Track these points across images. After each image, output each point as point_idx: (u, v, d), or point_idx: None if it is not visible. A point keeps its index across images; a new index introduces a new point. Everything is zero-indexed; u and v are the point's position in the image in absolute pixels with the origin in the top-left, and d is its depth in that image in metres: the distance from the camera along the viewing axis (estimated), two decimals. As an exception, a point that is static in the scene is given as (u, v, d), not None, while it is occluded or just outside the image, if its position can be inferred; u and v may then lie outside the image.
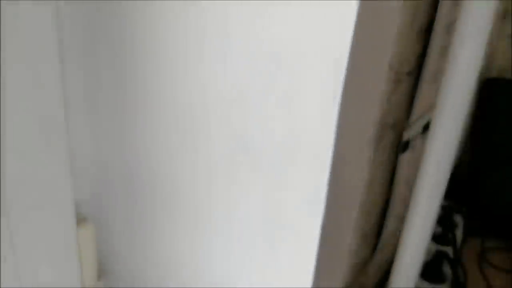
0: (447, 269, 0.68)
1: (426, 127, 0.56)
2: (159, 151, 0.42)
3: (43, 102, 0.39)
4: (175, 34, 0.37)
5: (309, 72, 0.33)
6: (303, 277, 0.41)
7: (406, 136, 0.53)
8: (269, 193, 0.38)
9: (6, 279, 0.41)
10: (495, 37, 0.89)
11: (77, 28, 0.41)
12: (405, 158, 0.54)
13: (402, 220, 0.55)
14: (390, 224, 0.59)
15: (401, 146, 0.53)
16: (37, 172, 0.41)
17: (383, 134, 0.47)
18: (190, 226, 0.43)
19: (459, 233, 0.79)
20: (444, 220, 0.79)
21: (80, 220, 0.46)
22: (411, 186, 0.52)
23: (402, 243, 0.52)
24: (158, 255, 0.47)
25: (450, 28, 0.47)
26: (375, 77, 0.39)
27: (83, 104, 0.43)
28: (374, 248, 0.61)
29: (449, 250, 0.72)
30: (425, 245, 0.51)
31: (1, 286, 0.41)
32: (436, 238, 0.76)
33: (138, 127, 0.42)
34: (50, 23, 0.38)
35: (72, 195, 0.44)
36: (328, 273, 0.45)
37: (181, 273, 0.46)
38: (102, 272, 0.51)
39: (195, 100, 0.38)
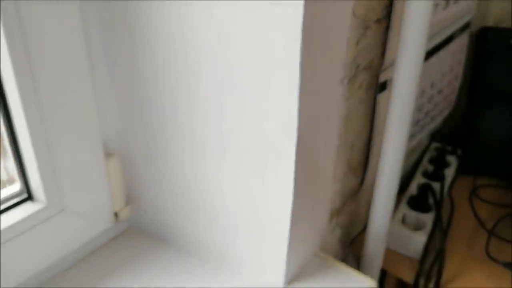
0: (433, 201, 0.76)
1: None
2: (163, 100, 0.51)
3: (68, 55, 0.49)
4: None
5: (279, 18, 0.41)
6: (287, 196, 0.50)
7: (383, 77, 0.60)
8: (253, 123, 0.47)
9: (52, 198, 0.52)
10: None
11: None
12: (383, 97, 0.62)
13: (383, 152, 0.63)
14: (374, 158, 0.67)
15: (379, 86, 0.61)
16: (70, 116, 0.51)
17: (356, 74, 0.55)
18: (194, 156, 0.53)
19: (451, 172, 0.86)
20: (437, 160, 0.86)
21: (109, 154, 0.56)
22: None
23: (378, 173, 0.60)
24: (172, 180, 0.56)
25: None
26: (337, 23, 0.46)
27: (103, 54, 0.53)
28: (362, 180, 0.70)
29: (437, 185, 0.79)
30: (397, 173, 0.59)
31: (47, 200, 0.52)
32: (427, 175, 0.84)
33: (151, 77, 0.51)
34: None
35: (99, 133, 0.54)
36: (311, 192, 0.54)
37: (192, 196, 0.56)
38: (129, 198, 0.61)
39: (188, 48, 0.47)
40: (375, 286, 0.58)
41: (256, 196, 0.52)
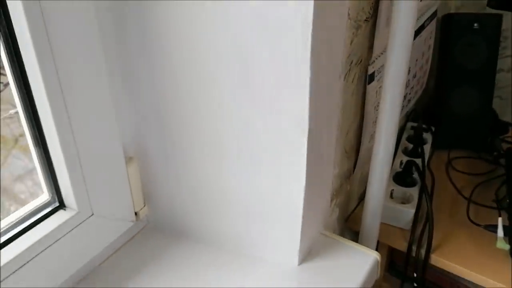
0: (416, 175, 0.82)
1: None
2: (179, 103, 0.54)
3: (91, 75, 0.51)
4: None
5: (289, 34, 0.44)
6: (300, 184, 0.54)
7: (371, 69, 0.65)
8: (268, 120, 0.50)
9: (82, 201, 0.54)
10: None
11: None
12: (372, 87, 0.66)
13: (373, 137, 0.68)
14: (366, 141, 0.72)
15: (368, 77, 0.65)
16: (94, 126, 0.53)
17: (350, 69, 0.60)
18: (211, 154, 0.56)
19: (428, 148, 0.92)
20: (415, 138, 0.92)
21: (128, 158, 0.59)
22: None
23: (373, 153, 0.65)
24: (188, 178, 0.59)
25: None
26: (337, 26, 0.50)
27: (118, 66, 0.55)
28: (355, 163, 0.75)
29: (419, 161, 0.85)
30: (390, 153, 0.64)
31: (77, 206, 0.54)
32: (408, 152, 0.90)
33: (167, 83, 0.53)
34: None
35: (120, 140, 0.56)
36: (318, 178, 0.58)
37: (208, 191, 0.59)
38: (146, 198, 0.64)
39: (204, 55, 0.49)
40: (379, 257, 0.63)
41: (271, 186, 0.55)
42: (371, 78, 0.65)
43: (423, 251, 0.72)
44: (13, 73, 0.46)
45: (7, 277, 0.48)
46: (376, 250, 0.84)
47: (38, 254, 0.51)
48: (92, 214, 0.56)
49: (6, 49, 0.45)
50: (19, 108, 0.49)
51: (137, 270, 0.59)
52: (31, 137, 0.50)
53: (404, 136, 0.95)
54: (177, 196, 0.62)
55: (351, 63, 0.59)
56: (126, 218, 0.61)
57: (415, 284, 0.73)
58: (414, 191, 0.78)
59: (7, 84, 0.49)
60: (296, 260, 0.60)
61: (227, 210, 0.60)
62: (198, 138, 0.55)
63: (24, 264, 0.49)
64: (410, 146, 0.91)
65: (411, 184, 0.80)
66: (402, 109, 0.86)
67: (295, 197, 0.55)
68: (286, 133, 0.50)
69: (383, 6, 0.59)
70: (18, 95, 0.48)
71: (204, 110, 0.53)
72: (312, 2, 0.42)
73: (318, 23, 0.44)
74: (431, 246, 0.71)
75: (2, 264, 0.47)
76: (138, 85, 0.55)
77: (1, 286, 0.47)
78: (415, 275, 0.73)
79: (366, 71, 0.64)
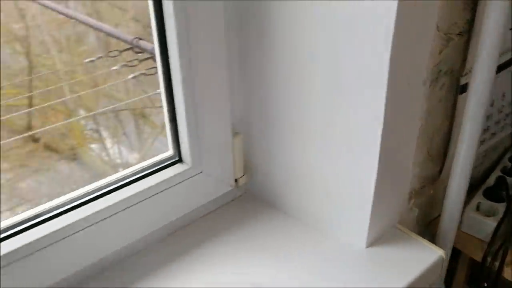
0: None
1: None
2: (279, 92, 0.63)
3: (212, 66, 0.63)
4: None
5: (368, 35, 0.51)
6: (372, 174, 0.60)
7: (464, 80, 0.68)
8: (349, 112, 0.58)
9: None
10: None
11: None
12: (463, 97, 0.69)
13: (460, 145, 0.71)
14: (453, 148, 0.75)
15: (460, 88, 0.69)
16: (213, 103, 0.66)
17: (437, 77, 0.64)
18: (300, 137, 0.64)
19: (528, 170, 0.90)
20: (516, 158, 0.91)
21: (235, 133, 0.70)
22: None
23: (453, 163, 0.68)
24: (282, 157, 0.68)
25: None
26: (422, 36, 0.56)
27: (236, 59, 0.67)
28: (441, 169, 0.78)
29: (513, 180, 0.85)
30: (470, 162, 0.67)
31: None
32: (505, 171, 0.89)
33: (272, 78, 0.62)
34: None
35: (230, 117, 0.68)
36: (392, 172, 0.63)
37: (296, 169, 0.68)
38: (246, 169, 0.74)
39: (304, 56, 0.59)
40: (444, 256, 0.66)
41: (348, 172, 0.61)
42: (463, 88, 0.68)
43: (497, 263, 0.73)
44: (161, 62, 0.61)
45: (121, 210, 0.62)
46: (457, 260, 0.85)
47: (156, 194, 0.65)
48: (201, 172, 0.68)
49: (159, 44, 0.59)
50: (162, 90, 0.63)
51: (228, 228, 0.70)
52: (167, 112, 0.64)
53: (508, 155, 0.94)
54: (271, 171, 0.72)
55: (440, 72, 0.63)
56: (227, 182, 0.72)
57: (485, 293, 0.74)
58: (500, 207, 0.78)
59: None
60: (364, 242, 0.66)
61: (310, 188, 0.68)
62: (291, 122, 0.64)
63: (145, 199, 0.64)
64: (510, 165, 0.90)
65: (500, 200, 0.80)
66: (504, 127, 0.86)
67: (367, 184, 0.60)
68: (364, 126, 0.57)
69: (478, 23, 0.62)
70: (162, 80, 0.62)
71: (297, 99, 0.62)
72: (394, 13, 0.49)
73: (400, 31, 0.50)
74: (506, 257, 0.71)
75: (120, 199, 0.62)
76: (250, 74, 0.66)
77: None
78: (485, 285, 0.74)
79: (458, 81, 0.68)
